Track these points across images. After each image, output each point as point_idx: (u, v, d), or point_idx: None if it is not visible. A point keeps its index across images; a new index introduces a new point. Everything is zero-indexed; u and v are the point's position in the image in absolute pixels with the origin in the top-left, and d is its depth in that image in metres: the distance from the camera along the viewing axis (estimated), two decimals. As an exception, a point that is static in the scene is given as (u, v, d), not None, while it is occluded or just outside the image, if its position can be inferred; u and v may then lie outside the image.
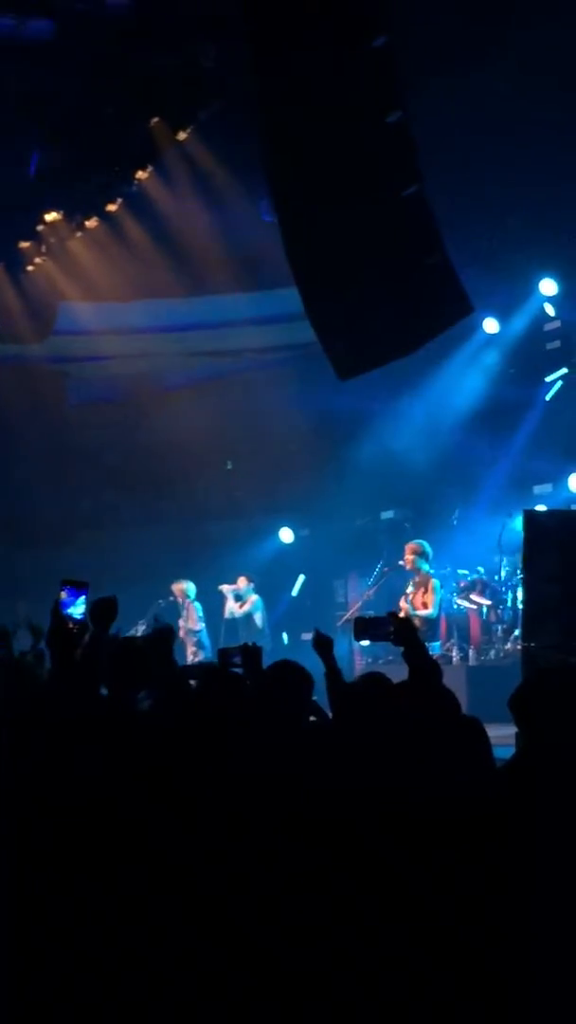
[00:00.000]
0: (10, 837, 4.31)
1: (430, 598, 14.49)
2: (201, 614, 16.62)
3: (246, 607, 16.83)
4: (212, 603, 17.03)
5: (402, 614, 14.39)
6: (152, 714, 5.28)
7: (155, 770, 4.41)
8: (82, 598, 5.21)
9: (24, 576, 18.32)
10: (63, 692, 4.81)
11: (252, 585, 17.07)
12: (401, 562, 15.06)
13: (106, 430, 19.75)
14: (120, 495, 20.37)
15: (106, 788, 4.38)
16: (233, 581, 17.07)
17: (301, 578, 18.81)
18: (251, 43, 10.62)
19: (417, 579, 14.69)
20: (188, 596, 16.66)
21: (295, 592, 18.79)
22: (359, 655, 16.24)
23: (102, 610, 5.20)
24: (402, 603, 14.56)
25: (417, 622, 14.14)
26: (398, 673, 5.24)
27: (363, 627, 6.02)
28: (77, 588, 5.21)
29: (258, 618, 16.85)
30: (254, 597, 16.95)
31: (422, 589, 14.58)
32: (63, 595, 5.15)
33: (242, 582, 17.03)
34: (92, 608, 5.20)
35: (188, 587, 16.71)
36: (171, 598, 16.71)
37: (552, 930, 3.90)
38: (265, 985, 3.99)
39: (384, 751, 4.35)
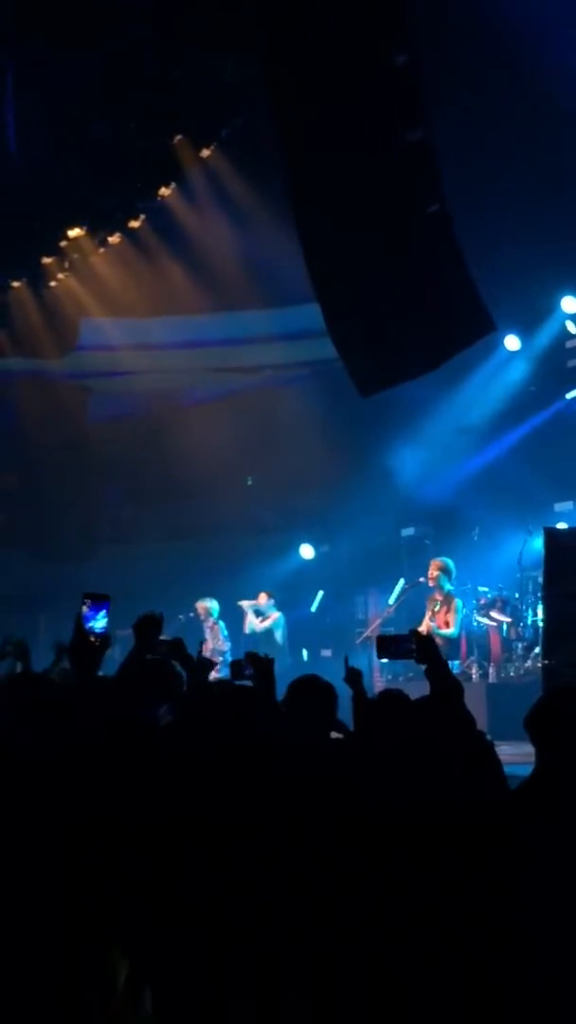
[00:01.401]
0: (31, 853, 4.32)
1: (452, 617, 14.47)
2: (227, 634, 16.57)
3: (267, 623, 16.78)
4: (233, 619, 17.02)
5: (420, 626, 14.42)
6: (173, 729, 5.29)
7: (177, 785, 4.42)
8: (103, 612, 5.23)
9: (45, 590, 18.35)
10: (85, 706, 4.83)
11: (273, 601, 17.02)
12: (423, 578, 15.04)
13: (127, 445, 19.79)
14: (141, 510, 20.43)
15: (127, 804, 4.39)
16: (253, 597, 17.03)
17: (320, 594, 18.78)
18: (273, 63, 10.68)
19: (439, 596, 14.66)
20: (212, 615, 16.58)
21: (313, 608, 18.75)
22: (379, 672, 16.22)
23: (146, 625, 5.26)
24: (427, 622, 14.55)
25: (438, 641, 14.15)
26: (418, 690, 5.24)
27: (385, 645, 6.04)
28: (98, 602, 5.23)
29: (278, 635, 16.81)
30: (276, 614, 16.90)
31: (445, 607, 14.56)
32: (85, 609, 5.17)
33: (263, 598, 16.97)
34: (136, 623, 5.28)
35: (212, 606, 16.63)
36: (192, 614, 16.68)
37: (560, 943, 3.90)
38: (284, 992, 4.01)
39: (398, 766, 4.36)
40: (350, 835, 4.11)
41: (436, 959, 3.93)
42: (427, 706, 4.87)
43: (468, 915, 3.95)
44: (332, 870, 4.07)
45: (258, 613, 16.87)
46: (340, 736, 5.50)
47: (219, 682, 5.39)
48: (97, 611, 5.20)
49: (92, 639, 5.09)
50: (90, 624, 5.15)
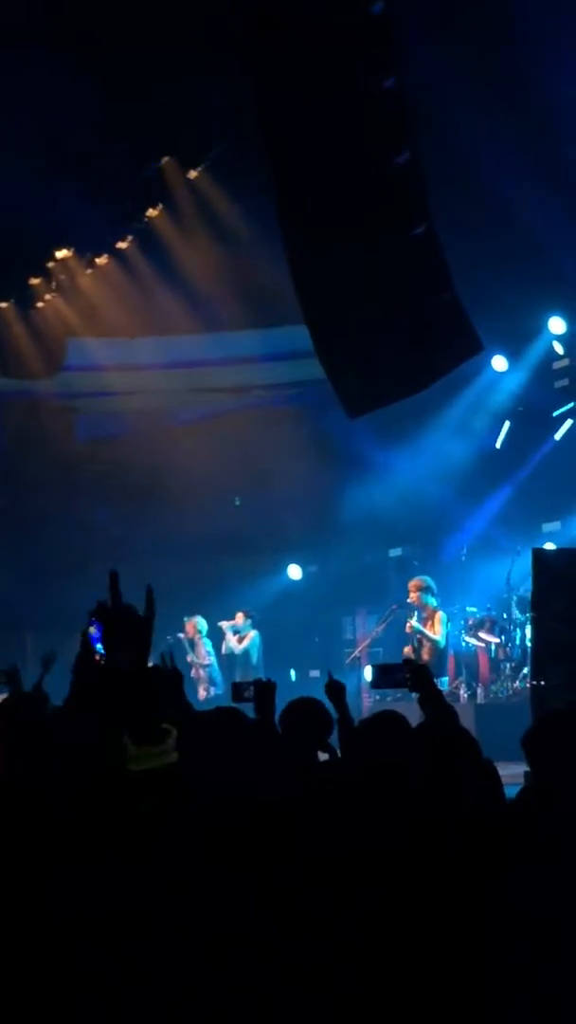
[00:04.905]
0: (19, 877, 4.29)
1: (437, 628, 14.54)
2: (210, 648, 16.66)
3: (245, 642, 16.86)
4: (218, 639, 17.06)
5: (408, 631, 14.53)
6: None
7: (162, 806, 4.39)
8: None
9: (34, 609, 18.33)
10: (75, 725, 4.77)
11: (250, 620, 17.10)
12: (409, 599, 15.08)
13: (114, 465, 19.79)
14: (129, 530, 20.37)
15: (111, 824, 4.36)
16: (232, 617, 17.12)
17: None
18: (258, 84, 10.69)
19: (424, 614, 14.73)
20: (200, 632, 16.73)
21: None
22: (366, 692, 16.21)
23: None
24: (411, 623, 14.63)
25: (425, 652, 14.19)
26: (406, 710, 5.22)
27: (380, 674, 6.04)
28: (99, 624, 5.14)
29: (254, 654, 16.89)
30: (252, 632, 16.99)
31: (429, 621, 14.61)
32: (93, 629, 5.08)
33: (240, 618, 17.08)
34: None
35: (200, 623, 16.79)
36: (180, 635, 16.72)
37: (549, 966, 3.89)
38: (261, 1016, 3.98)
39: (394, 790, 4.34)
40: (345, 860, 4.09)
41: (433, 988, 3.91)
42: (424, 732, 4.84)
43: (465, 944, 3.94)
44: (332, 897, 4.05)
45: (235, 632, 16.95)
46: (327, 757, 5.48)
47: (217, 709, 5.29)
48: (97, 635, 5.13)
49: (98, 659, 5.03)
50: (98, 644, 5.08)
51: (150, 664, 5.47)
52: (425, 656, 14.12)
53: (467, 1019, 3.93)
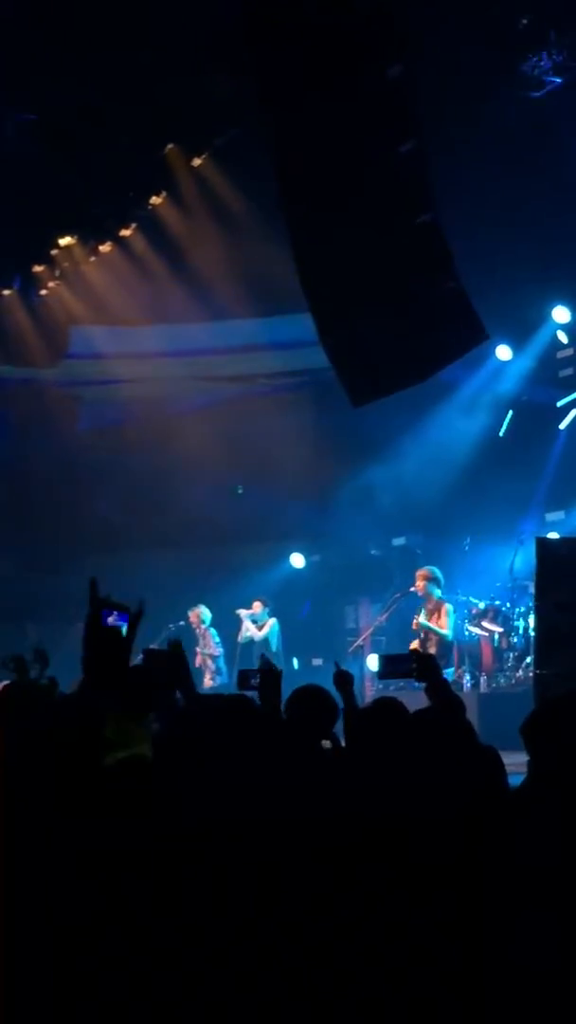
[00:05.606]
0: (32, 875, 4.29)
1: (444, 621, 14.51)
2: (218, 640, 16.63)
3: (264, 630, 16.82)
4: (225, 628, 17.01)
5: (414, 629, 14.50)
6: (161, 737, 5.24)
7: (161, 793, 4.39)
8: (124, 625, 5.08)
9: (34, 598, 18.32)
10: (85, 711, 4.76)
11: (267, 608, 17.07)
12: (413, 588, 15.05)
13: (117, 454, 19.78)
14: (131, 519, 20.39)
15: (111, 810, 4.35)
16: (243, 605, 17.07)
17: None
18: (262, 74, 10.67)
19: (429, 605, 14.69)
20: (204, 622, 16.69)
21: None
22: (370, 681, 16.21)
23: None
24: (417, 620, 14.60)
25: (431, 646, 14.16)
26: (409, 699, 5.22)
27: (386, 664, 6.02)
28: (120, 614, 5.05)
29: (274, 642, 16.86)
30: (271, 620, 16.95)
31: (436, 614, 14.58)
32: (110, 619, 5.00)
33: (257, 606, 17.03)
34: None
35: (204, 613, 16.76)
36: (182, 623, 16.71)
37: (548, 961, 3.88)
38: (264, 1011, 3.97)
39: (395, 777, 4.33)
40: (333, 852, 4.08)
41: (431, 979, 3.91)
42: (428, 717, 4.82)
43: (462, 935, 3.93)
44: (315, 888, 4.04)
45: (253, 621, 16.91)
46: (330, 745, 5.47)
47: (216, 695, 5.30)
48: (118, 624, 5.08)
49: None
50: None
51: (154, 646, 5.46)
52: (432, 650, 14.09)
53: (467, 1014, 3.92)
